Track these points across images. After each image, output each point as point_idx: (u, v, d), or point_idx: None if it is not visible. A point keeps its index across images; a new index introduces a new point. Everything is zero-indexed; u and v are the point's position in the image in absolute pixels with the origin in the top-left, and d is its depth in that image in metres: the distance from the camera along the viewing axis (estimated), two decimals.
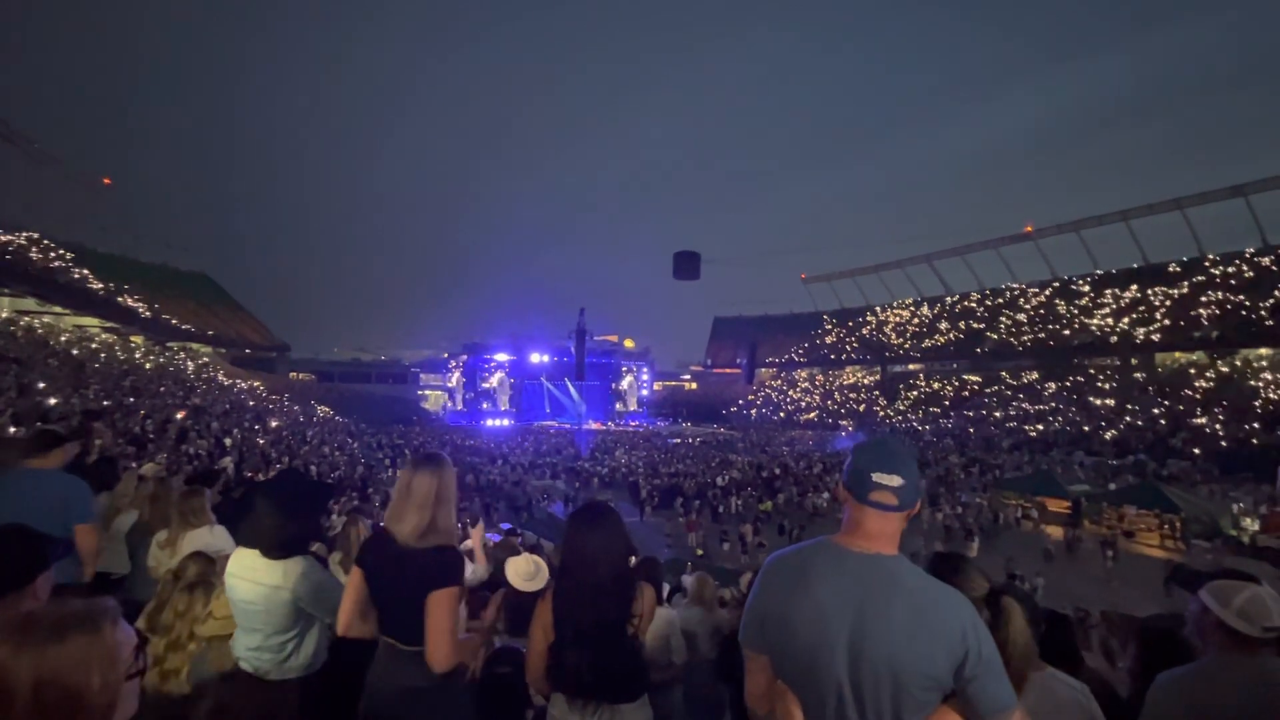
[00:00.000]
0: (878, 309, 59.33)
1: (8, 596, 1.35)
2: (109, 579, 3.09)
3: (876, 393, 48.25)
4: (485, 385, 58.30)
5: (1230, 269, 35.76)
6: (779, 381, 59.95)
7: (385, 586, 1.77)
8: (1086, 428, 30.04)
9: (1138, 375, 34.82)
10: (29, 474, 2.64)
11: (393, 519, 1.77)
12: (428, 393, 65.76)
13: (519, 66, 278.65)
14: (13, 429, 9.17)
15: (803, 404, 51.66)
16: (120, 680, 0.82)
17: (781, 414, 50.71)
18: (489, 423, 51.07)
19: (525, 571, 2.70)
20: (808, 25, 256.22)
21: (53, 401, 14.00)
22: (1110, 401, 32.58)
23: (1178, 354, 35.40)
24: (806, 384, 57.00)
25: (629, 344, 68.73)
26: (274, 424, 25.86)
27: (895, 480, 1.22)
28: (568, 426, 47.25)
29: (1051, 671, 1.58)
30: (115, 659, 0.81)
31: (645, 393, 65.03)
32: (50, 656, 0.75)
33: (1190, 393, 30.38)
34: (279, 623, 1.94)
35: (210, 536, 2.90)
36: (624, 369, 63.56)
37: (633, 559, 1.94)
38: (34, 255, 32.81)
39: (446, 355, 62.95)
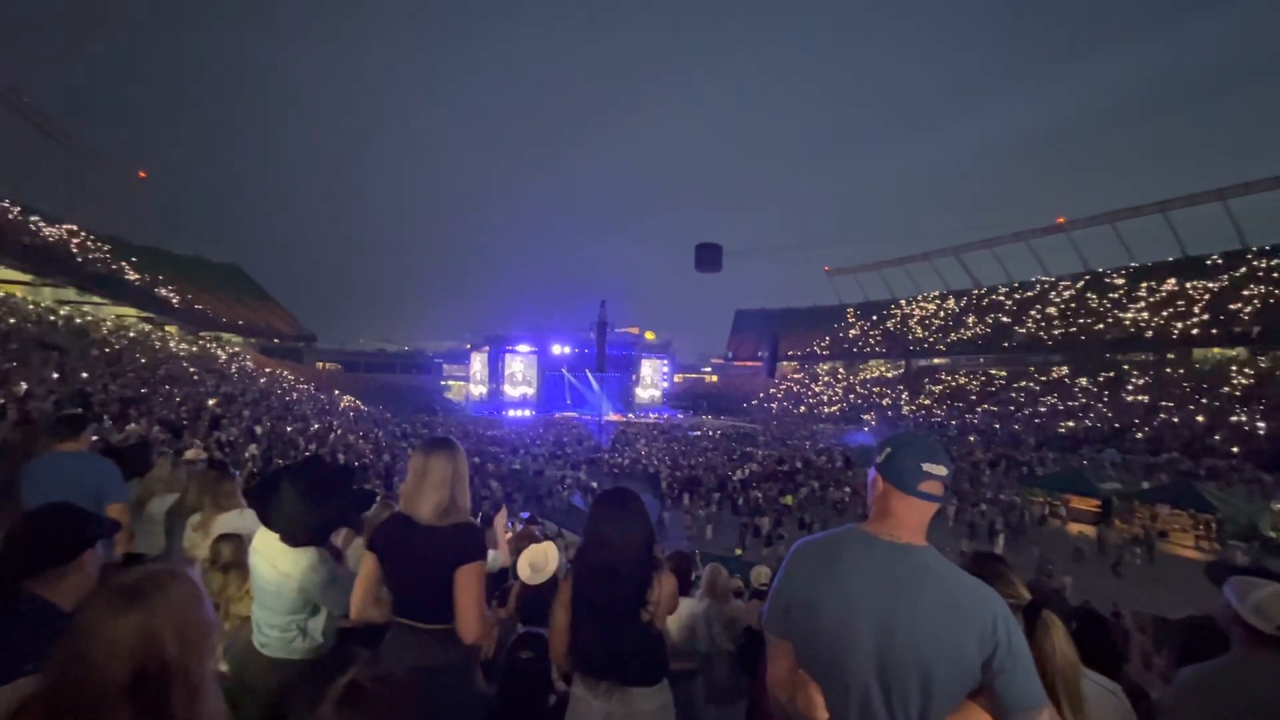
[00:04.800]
0: (903, 302, 58.40)
1: (53, 571, 1.39)
2: (142, 560, 3.19)
3: (900, 387, 47.59)
4: (507, 376, 58.87)
5: (1274, 262, 34.42)
6: (801, 375, 59.45)
7: (405, 568, 1.81)
8: (1119, 424, 29.28)
9: (1172, 371, 33.80)
10: (62, 457, 2.72)
11: (410, 501, 1.82)
12: (451, 383, 66.54)
13: (542, 60, 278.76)
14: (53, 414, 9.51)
15: (825, 398, 51.16)
16: (213, 613, 1.01)
17: (803, 408, 50.30)
18: (510, 413, 51.57)
19: (533, 561, 2.72)
20: (832, 15, 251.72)
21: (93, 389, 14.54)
22: (1144, 398, 31.69)
23: (1216, 349, 34.25)
24: (829, 378, 56.44)
25: (650, 336, 68.78)
26: (309, 395, 26.47)
27: (944, 470, 1.25)
28: (588, 418, 47.52)
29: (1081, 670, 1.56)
30: (205, 598, 0.99)
31: (666, 385, 65.03)
32: (185, 593, 0.93)
33: (1229, 389, 29.42)
34: (286, 605, 1.98)
35: (240, 520, 2.97)
36: (645, 361, 63.61)
37: (655, 546, 1.94)
38: (74, 247, 33.88)
39: (469, 346, 63.64)
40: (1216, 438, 25.06)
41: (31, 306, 25.71)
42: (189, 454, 5.28)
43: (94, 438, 3.13)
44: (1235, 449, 23.52)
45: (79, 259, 32.89)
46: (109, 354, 22.15)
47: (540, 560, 2.66)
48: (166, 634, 0.87)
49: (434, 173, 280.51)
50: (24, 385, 12.09)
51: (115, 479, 2.79)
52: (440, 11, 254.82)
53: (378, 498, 3.52)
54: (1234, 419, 26.34)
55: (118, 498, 2.74)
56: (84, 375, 16.08)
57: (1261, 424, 24.97)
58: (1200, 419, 27.42)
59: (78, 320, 27.29)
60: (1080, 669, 1.38)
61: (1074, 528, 17.75)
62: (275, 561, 1.97)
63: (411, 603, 1.81)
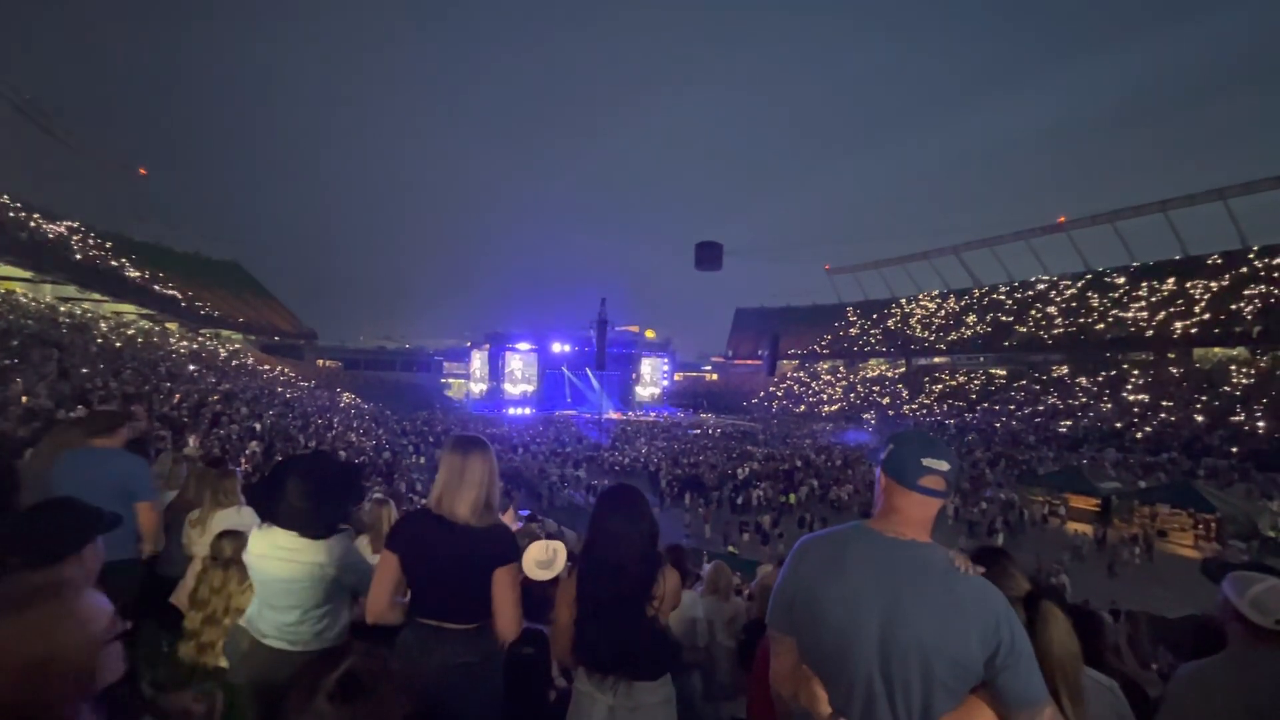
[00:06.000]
0: (903, 301, 58.43)
1: (51, 566, 1.39)
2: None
3: (900, 386, 47.62)
4: (507, 374, 58.91)
5: (1274, 261, 34.41)
6: (801, 374, 59.46)
7: (437, 568, 1.78)
8: (1119, 424, 29.29)
9: (1173, 370, 33.81)
10: (95, 452, 2.73)
11: (446, 500, 1.81)
12: (451, 381, 66.58)
13: (542, 57, 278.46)
14: (61, 412, 9.51)
15: (825, 396, 51.19)
16: (96, 644, 0.85)
17: (803, 407, 50.31)
18: (511, 411, 51.57)
19: (540, 558, 2.72)
20: (834, 14, 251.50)
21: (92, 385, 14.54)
22: (1144, 397, 31.71)
23: (1217, 349, 34.27)
24: (829, 376, 56.46)
25: (650, 334, 68.78)
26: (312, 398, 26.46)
27: (944, 465, 1.24)
28: (588, 416, 47.50)
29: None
30: (85, 624, 0.84)
31: (666, 383, 65.07)
32: (17, 626, 0.77)
33: (1229, 389, 29.45)
34: (319, 598, 1.97)
35: (238, 516, 2.98)
36: (645, 359, 63.65)
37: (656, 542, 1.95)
38: (75, 244, 33.88)
39: (469, 344, 63.67)
40: (1217, 437, 25.07)
41: (32, 303, 25.72)
42: (187, 450, 5.31)
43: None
44: (1235, 449, 23.53)
45: (79, 256, 32.88)
46: (109, 351, 22.14)
47: (547, 556, 2.67)
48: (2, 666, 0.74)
49: (435, 170, 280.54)
50: (19, 382, 12.06)
51: (145, 476, 2.80)
52: (441, 9, 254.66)
53: (374, 494, 3.53)
54: (1234, 419, 26.37)
55: (147, 496, 2.75)
56: (84, 372, 16.07)
57: (1261, 424, 24.99)
58: (1200, 418, 27.45)
59: (78, 315, 27.30)
60: (1081, 661, 1.37)
61: (1074, 527, 17.76)
62: (300, 557, 1.94)
63: (440, 603, 1.79)
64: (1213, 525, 15.99)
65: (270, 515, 2.02)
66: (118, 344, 24.56)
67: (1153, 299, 38.47)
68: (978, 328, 47.93)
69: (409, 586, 1.83)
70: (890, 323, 56.37)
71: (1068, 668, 1.30)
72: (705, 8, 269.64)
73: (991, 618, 1.13)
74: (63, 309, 27.75)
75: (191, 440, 10.33)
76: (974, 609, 1.14)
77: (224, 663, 2.30)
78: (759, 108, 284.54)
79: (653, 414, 54.12)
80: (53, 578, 0.90)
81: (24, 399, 10.44)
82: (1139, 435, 27.41)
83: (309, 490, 1.96)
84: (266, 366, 41.13)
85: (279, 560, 1.96)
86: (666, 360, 66.39)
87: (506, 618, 1.77)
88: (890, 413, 42.08)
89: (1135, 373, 34.98)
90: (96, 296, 33.74)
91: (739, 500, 19.86)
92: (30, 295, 27.90)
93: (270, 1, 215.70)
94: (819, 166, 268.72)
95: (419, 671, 1.74)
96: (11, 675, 0.75)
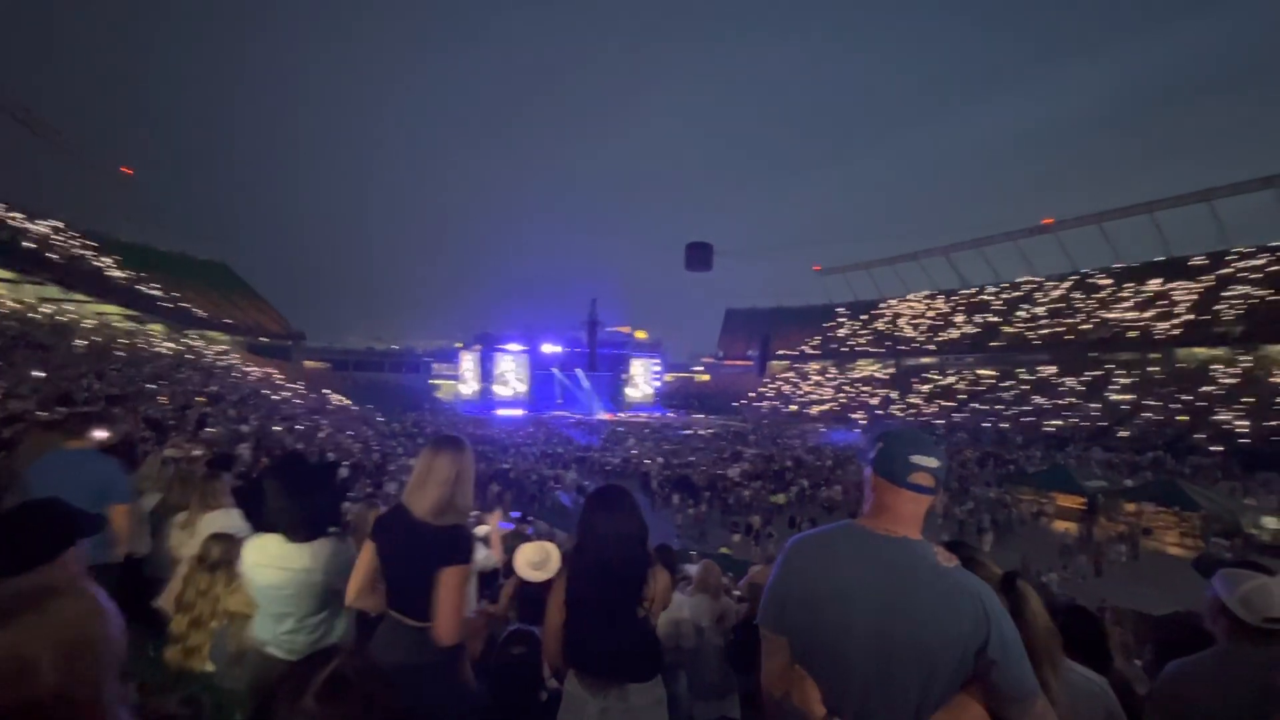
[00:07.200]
0: (892, 301, 58.82)
1: (35, 570, 1.36)
2: (131, 558, 3.15)
3: (889, 386, 47.92)
4: (497, 375, 58.64)
5: (1257, 263, 34.98)
6: (791, 374, 59.67)
7: (397, 561, 1.81)
8: (1104, 423, 29.64)
9: (1156, 370, 34.25)
10: (69, 455, 2.70)
11: (412, 495, 1.82)
12: (440, 382, 66.18)
13: (532, 56, 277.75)
14: (39, 413, 9.37)
15: (815, 397, 51.40)
16: (117, 634, 0.86)
17: (793, 407, 50.49)
18: (501, 412, 51.37)
19: (533, 559, 2.72)
20: (823, 17, 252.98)
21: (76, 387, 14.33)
22: (1129, 397, 32.10)
23: (1200, 349, 34.79)
24: (819, 377, 56.70)
25: (641, 335, 68.72)
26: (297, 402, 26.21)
27: (933, 462, 1.26)
28: (578, 417, 47.38)
29: (1069, 664, 1.58)
30: (104, 616, 0.85)
31: (657, 384, 65.09)
32: (45, 624, 0.78)
33: (1212, 389, 29.88)
34: (310, 605, 1.96)
35: (226, 519, 2.94)
36: (635, 360, 63.64)
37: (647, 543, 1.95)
38: (57, 243, 33.39)
39: (460, 345, 63.26)
40: (1199, 436, 25.42)
41: (14, 304, 25.33)
42: (168, 451, 5.24)
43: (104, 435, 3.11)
44: (1220, 448, 23.87)
45: (63, 256, 32.41)
46: (93, 352, 21.85)
47: (540, 558, 2.67)
48: (43, 661, 0.75)
49: (424, 170, 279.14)
50: (1, 383, 11.88)
51: (119, 478, 2.77)
52: (431, 6, 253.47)
53: (364, 494, 3.51)
54: (1216, 418, 26.74)
55: (120, 498, 2.72)
56: (67, 373, 15.86)
57: (1243, 423, 25.37)
58: (1184, 418, 27.82)
59: (60, 318, 26.91)
60: (1058, 636, 1.41)
61: (1060, 525, 17.93)
62: (287, 563, 1.94)
63: (402, 596, 1.82)
64: (1197, 523, 16.18)
65: (258, 521, 2.01)
66: (99, 345, 24.24)
67: (1137, 299, 38.99)
68: (966, 328, 48.35)
69: (383, 577, 1.85)
70: (879, 323, 56.70)
71: (1048, 641, 1.36)
72: (695, 9, 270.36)
73: (981, 610, 1.15)
74: (45, 310, 27.35)
75: (185, 442, 10.21)
76: (963, 601, 1.15)
77: (210, 667, 2.27)
78: (749, 109, 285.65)
79: (644, 414, 54.09)
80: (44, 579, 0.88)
81: (30, 401, 10.28)
82: (1124, 434, 27.74)
83: (285, 489, 1.96)
84: (254, 368, 40.71)
85: (270, 568, 1.96)
86: (657, 361, 66.39)
87: (444, 620, 1.74)
88: (879, 413, 42.33)
89: (1120, 373, 35.43)
90: (80, 297, 33.23)
91: (730, 501, 19.90)
92: (12, 296, 27.47)
93: (258, 1, 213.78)
94: (808, 168, 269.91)
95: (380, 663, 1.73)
96: (81, 652, 0.77)
